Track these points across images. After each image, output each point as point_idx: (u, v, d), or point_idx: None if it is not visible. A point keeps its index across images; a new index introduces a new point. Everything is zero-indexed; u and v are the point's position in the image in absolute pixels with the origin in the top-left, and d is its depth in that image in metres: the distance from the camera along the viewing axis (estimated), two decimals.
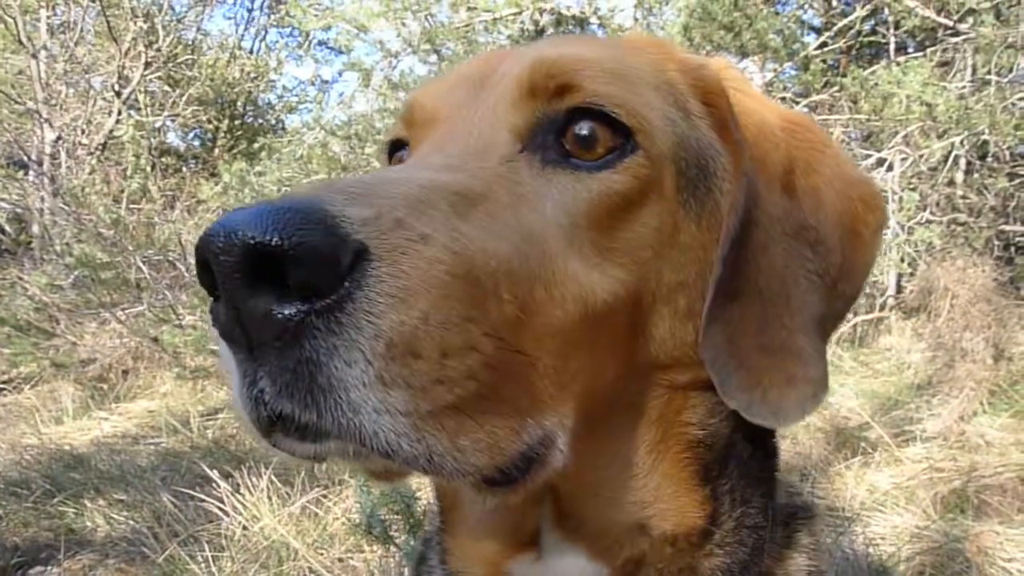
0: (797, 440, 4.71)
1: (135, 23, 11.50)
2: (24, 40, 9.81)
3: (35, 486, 4.34)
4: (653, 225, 0.91)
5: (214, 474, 3.88)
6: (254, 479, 3.87)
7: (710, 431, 0.96)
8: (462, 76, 1.04)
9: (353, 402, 0.66)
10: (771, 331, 0.91)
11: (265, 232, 0.62)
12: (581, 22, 8.13)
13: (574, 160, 0.90)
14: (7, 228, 10.96)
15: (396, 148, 1.14)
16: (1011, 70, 6.00)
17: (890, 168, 6.56)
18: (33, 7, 10.69)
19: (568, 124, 0.91)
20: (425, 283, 0.68)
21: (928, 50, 6.16)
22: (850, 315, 7.19)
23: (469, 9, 7.51)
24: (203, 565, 3.34)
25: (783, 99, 10.04)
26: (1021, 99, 5.68)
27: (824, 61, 7.91)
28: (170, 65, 12.68)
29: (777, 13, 7.09)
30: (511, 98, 0.93)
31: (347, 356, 0.65)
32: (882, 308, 7.18)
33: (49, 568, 3.73)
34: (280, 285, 0.64)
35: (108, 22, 11.14)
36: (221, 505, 3.75)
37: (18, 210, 10.54)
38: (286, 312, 0.64)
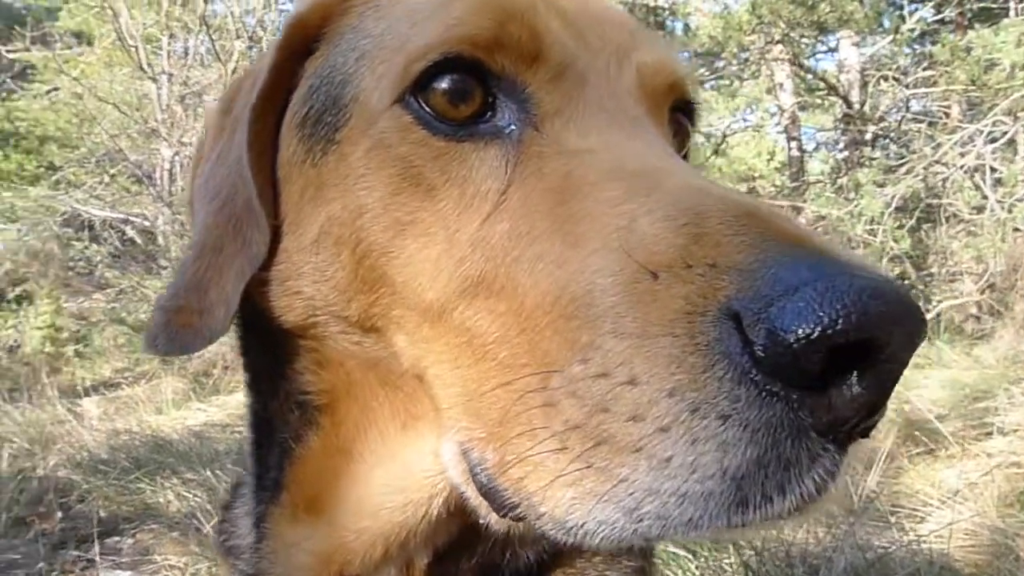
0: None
1: None
2: (145, 66, 10.67)
3: (119, 466, 4.71)
4: None
5: None
6: None
7: None
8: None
9: None
10: None
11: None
12: None
13: None
14: (137, 239, 12.00)
15: (435, 74, 0.74)
16: None
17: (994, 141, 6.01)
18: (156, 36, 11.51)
19: None
20: None
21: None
22: (939, 301, 6.63)
23: None
24: None
25: (885, 78, 9.43)
26: None
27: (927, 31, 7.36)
28: None
29: None
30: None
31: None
32: (983, 292, 6.57)
33: (123, 538, 4.04)
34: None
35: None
36: None
37: (146, 223, 11.51)
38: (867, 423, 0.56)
